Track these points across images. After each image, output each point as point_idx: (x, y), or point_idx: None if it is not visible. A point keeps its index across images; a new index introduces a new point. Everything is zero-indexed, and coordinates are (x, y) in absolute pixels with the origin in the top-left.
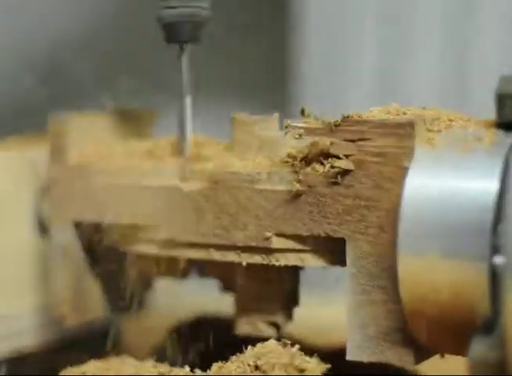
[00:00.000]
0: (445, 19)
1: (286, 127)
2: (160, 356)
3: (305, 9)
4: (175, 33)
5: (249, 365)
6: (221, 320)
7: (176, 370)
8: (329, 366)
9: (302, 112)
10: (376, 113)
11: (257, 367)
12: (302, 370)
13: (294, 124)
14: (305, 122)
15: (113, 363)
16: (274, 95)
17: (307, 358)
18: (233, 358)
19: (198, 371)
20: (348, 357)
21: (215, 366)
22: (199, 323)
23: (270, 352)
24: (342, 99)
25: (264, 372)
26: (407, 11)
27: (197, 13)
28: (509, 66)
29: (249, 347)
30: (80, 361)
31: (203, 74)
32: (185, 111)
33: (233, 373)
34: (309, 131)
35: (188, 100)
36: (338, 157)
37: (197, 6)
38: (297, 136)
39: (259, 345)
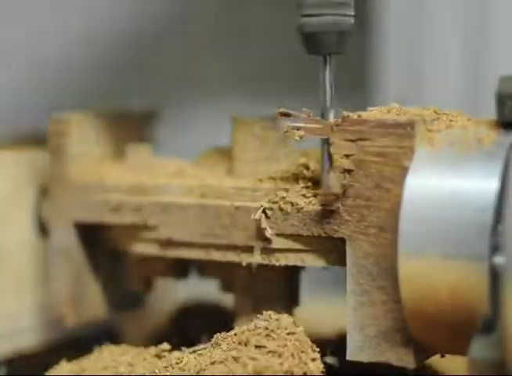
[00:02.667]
0: None
1: (279, 113)
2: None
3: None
4: (318, 43)
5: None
6: (217, 306)
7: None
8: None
9: (283, 115)
10: (376, 112)
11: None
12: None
13: (294, 125)
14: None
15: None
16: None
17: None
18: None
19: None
20: (348, 357)
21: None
22: (195, 309)
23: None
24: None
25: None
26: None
27: (341, 21)
28: None
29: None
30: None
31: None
32: None
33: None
34: (309, 131)
35: (331, 115)
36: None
37: (341, 14)
38: (298, 138)
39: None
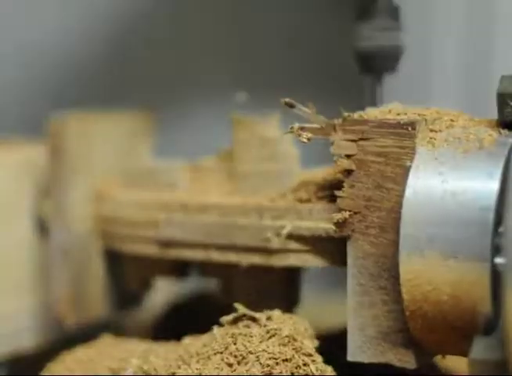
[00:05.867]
0: None
1: (285, 102)
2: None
3: None
4: (371, 64)
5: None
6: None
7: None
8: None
9: (288, 105)
10: (377, 112)
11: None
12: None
13: (296, 125)
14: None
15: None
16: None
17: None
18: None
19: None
20: (349, 358)
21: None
22: (197, 300)
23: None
24: None
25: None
26: None
27: (394, 44)
28: None
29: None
30: None
31: None
32: None
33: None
34: (311, 131)
35: None
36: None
37: (394, 37)
38: (306, 140)
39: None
